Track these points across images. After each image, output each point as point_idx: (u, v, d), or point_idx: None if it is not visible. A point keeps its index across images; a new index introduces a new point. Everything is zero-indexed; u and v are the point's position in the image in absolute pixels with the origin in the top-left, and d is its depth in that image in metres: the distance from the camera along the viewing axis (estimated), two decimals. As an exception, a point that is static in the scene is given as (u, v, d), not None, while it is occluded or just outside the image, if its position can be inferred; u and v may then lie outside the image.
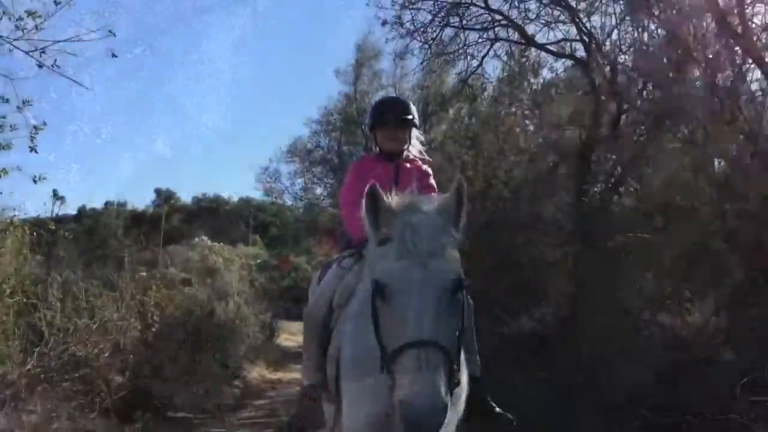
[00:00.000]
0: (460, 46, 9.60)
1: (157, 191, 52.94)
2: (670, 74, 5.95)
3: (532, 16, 8.83)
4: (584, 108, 8.64)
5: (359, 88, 18.19)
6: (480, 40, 9.45)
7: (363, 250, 2.65)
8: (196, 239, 19.61)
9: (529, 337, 7.90)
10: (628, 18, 6.76)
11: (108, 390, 6.25)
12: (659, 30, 6.01)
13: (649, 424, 5.19)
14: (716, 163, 6.42)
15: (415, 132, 3.44)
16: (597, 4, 8.12)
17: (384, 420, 2.32)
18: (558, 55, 9.10)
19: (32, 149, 5.45)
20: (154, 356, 7.46)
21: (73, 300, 6.53)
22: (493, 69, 10.95)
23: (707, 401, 5.12)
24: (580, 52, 8.58)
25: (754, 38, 5.39)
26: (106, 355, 6.41)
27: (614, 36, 7.72)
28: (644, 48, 6.29)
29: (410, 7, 9.02)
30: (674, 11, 5.76)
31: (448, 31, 9.41)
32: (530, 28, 9.01)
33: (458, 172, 2.45)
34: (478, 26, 9.23)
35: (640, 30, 6.24)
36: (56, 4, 5.04)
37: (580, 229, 8.06)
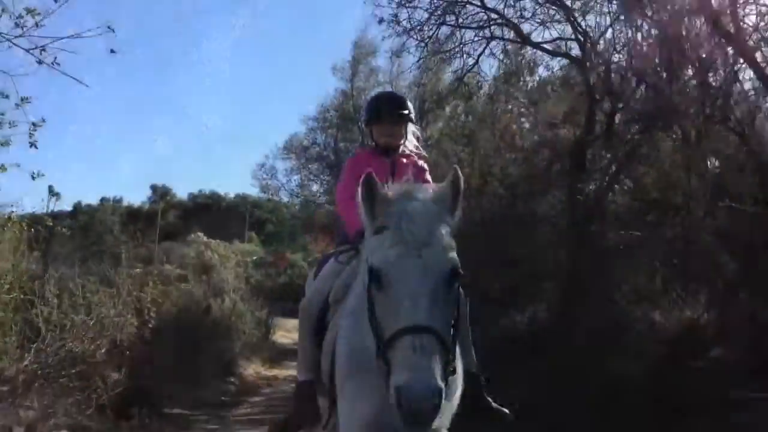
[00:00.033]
0: (457, 44, 9.63)
1: (153, 188, 52.93)
2: (663, 74, 6.00)
3: (527, 14, 8.87)
4: (579, 106, 8.69)
5: (356, 85, 18.21)
6: (476, 39, 9.48)
7: (360, 245, 2.63)
8: (192, 236, 19.64)
9: (523, 332, 7.96)
10: (622, 18, 6.80)
11: (104, 386, 6.24)
12: (652, 30, 6.05)
13: (640, 417, 5.24)
14: (709, 162, 6.48)
15: (411, 127, 3.41)
16: (592, 3, 8.17)
17: (380, 420, 2.31)
18: (553, 54, 9.14)
19: (32, 144, 5.47)
20: (150, 353, 7.48)
21: (70, 296, 6.52)
22: (489, 67, 11.01)
23: (697, 394, 5.17)
24: (576, 51, 8.63)
25: (747, 38, 5.43)
26: (103, 351, 6.39)
27: (609, 35, 7.78)
28: (638, 48, 6.34)
29: (407, 5, 9.05)
30: (667, 12, 5.79)
31: (445, 30, 9.44)
32: (526, 27, 9.04)
33: (457, 169, 2.42)
34: (474, 25, 9.25)
35: (633, 30, 6.29)
36: (55, 0, 5.06)
37: (574, 226, 8.13)
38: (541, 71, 10.26)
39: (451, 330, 2.14)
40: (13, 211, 6.20)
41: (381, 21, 9.27)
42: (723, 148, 5.85)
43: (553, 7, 8.59)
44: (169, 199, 51.67)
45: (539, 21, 8.91)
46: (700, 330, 6.43)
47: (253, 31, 77.13)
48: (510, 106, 10.65)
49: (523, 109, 10.75)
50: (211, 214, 47.32)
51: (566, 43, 8.85)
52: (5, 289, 5.71)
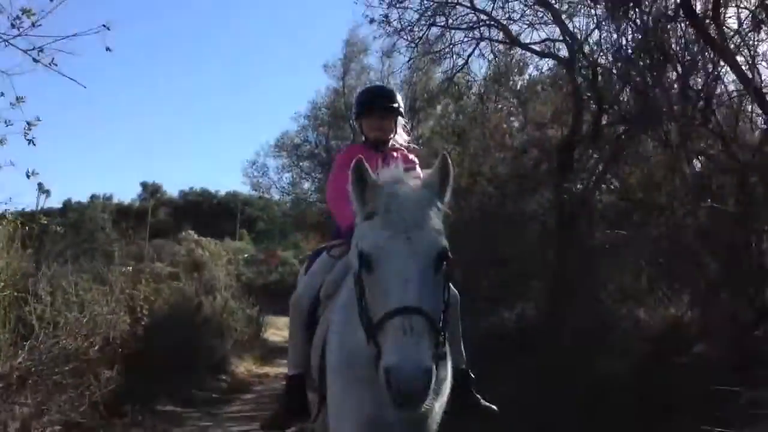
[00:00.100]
0: (447, 45, 9.73)
1: (144, 185, 52.71)
2: (647, 77, 6.12)
3: (516, 16, 8.97)
4: (566, 107, 8.80)
5: (347, 82, 18.27)
6: (466, 40, 9.59)
7: (352, 239, 2.58)
8: (183, 233, 19.62)
9: (511, 330, 8.06)
10: (606, 21, 6.92)
11: (98, 383, 6.28)
12: (636, 34, 6.17)
13: (626, 413, 5.33)
14: (698, 162, 6.59)
15: (401, 121, 3.43)
16: (578, 6, 8.29)
17: (371, 415, 2.34)
18: (541, 55, 9.26)
19: (30, 141, 5.52)
20: (143, 350, 7.53)
21: (63, 294, 6.56)
22: (479, 68, 11.11)
23: (681, 391, 5.27)
24: (564, 52, 8.74)
25: (728, 42, 5.55)
26: (96, 348, 6.42)
27: (595, 37, 7.90)
28: (621, 51, 6.46)
29: (397, 6, 9.12)
30: (650, 16, 5.91)
31: (435, 30, 9.52)
32: (515, 28, 9.15)
33: (445, 154, 2.44)
34: (463, 26, 9.34)
35: (619, 33, 6.41)
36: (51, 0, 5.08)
37: (561, 226, 8.24)
38: (531, 71, 10.40)
39: (441, 314, 2.13)
40: (6, 209, 6.22)
41: (372, 21, 9.34)
42: (706, 149, 5.98)
43: (541, 9, 8.70)
44: (160, 197, 51.46)
45: (528, 23, 9.03)
46: (683, 327, 6.55)
47: (247, 29, 76.96)
48: (500, 106, 10.75)
49: (512, 109, 10.86)
50: (202, 211, 47.19)
51: (554, 45, 8.97)
52: (0, 286, 5.74)
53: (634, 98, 6.83)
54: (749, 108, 6.22)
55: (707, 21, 5.70)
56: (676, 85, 6.10)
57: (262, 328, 14.66)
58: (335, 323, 2.61)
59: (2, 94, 5.37)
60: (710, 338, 6.04)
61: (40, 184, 6.03)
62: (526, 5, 8.81)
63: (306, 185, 20.13)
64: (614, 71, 7.20)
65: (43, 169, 5.81)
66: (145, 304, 8.12)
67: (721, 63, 5.80)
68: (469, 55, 9.75)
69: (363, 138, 3.45)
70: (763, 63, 5.95)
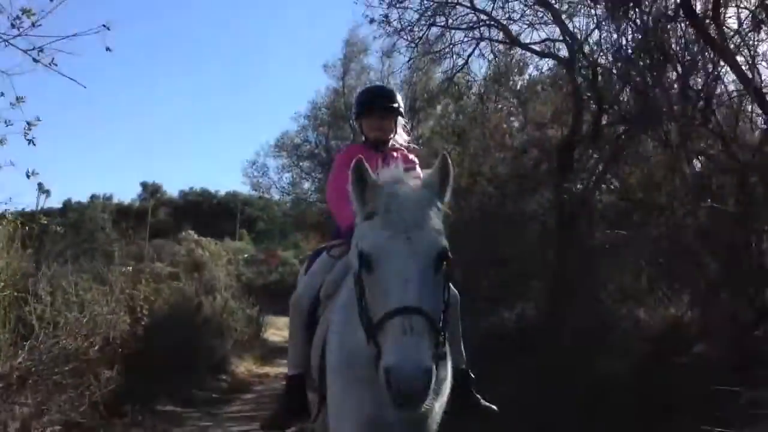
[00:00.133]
0: (446, 45, 9.74)
1: (144, 185, 52.74)
2: (647, 78, 6.12)
3: (516, 16, 8.98)
4: (566, 107, 8.81)
5: (347, 82, 18.29)
6: (466, 40, 9.59)
7: (352, 239, 2.57)
8: (183, 233, 19.62)
9: (511, 330, 8.07)
10: (606, 21, 6.93)
11: (98, 383, 6.29)
12: (636, 34, 6.18)
13: (626, 413, 5.34)
14: (698, 162, 6.59)
15: (401, 121, 3.43)
16: (579, 6, 8.29)
17: (372, 416, 2.34)
18: (541, 55, 9.26)
19: (30, 141, 5.53)
20: (143, 350, 7.53)
21: (63, 294, 6.57)
22: (479, 68, 11.12)
23: (681, 391, 5.28)
24: (564, 52, 8.75)
25: (728, 42, 5.56)
26: (96, 348, 6.43)
27: (595, 37, 7.91)
28: (621, 51, 6.46)
29: (397, 6, 9.13)
30: (650, 16, 5.92)
31: (435, 30, 9.53)
32: (515, 28, 9.15)
33: (445, 154, 2.43)
34: (463, 26, 9.35)
35: (619, 33, 6.42)
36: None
37: (561, 225, 8.25)
38: (532, 70, 10.41)
39: (441, 314, 2.13)
40: (6, 209, 6.22)
41: (372, 21, 9.36)
42: (706, 149, 5.98)
43: (541, 9, 8.71)
44: (160, 197, 51.49)
45: (528, 22, 9.04)
46: (684, 328, 6.56)
47: (247, 29, 77.02)
48: (500, 106, 10.76)
49: (512, 109, 10.87)
50: (202, 211, 47.21)
51: (554, 45, 8.97)
52: (0, 286, 5.74)
53: (634, 98, 6.84)
54: (749, 108, 6.22)
55: (707, 21, 5.70)
56: (676, 85, 6.11)
57: (262, 328, 14.68)
58: (335, 323, 2.60)
59: (2, 94, 5.37)
60: (710, 338, 6.04)
61: (40, 184, 6.05)
62: (526, 5, 8.83)
63: (306, 185, 20.18)
64: (614, 71, 7.20)
65: (43, 168, 5.82)
66: (145, 304, 8.12)
67: (721, 63, 5.80)
68: (469, 55, 9.78)
69: (363, 138, 3.45)
70: (763, 63, 5.96)
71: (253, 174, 19.96)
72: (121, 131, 77.19)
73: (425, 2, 9.16)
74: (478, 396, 3.01)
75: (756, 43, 5.77)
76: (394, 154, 3.20)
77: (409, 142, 3.52)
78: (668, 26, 6.02)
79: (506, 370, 6.36)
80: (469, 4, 9.07)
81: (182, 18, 78.59)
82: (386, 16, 9.21)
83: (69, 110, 62.88)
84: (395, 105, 3.36)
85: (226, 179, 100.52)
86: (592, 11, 7.76)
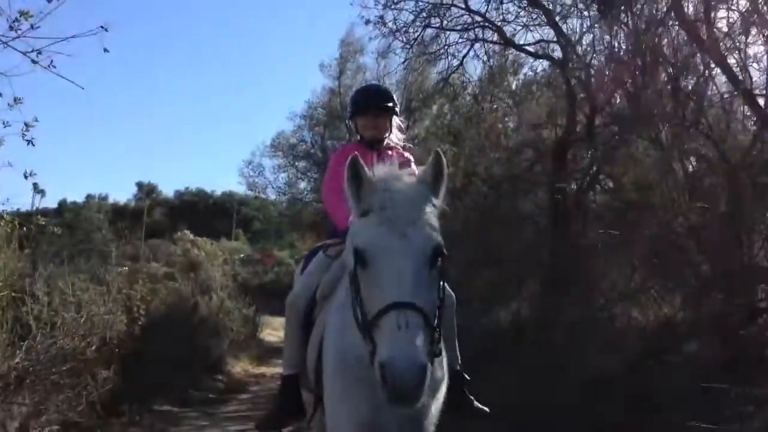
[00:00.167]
0: (441, 46, 9.81)
1: (139, 185, 52.68)
2: (639, 79, 6.18)
3: (510, 17, 9.05)
4: (561, 107, 8.88)
5: (343, 82, 18.28)
6: (460, 41, 9.67)
7: (347, 236, 2.54)
8: (179, 233, 19.61)
9: (505, 328, 8.13)
10: (599, 23, 6.99)
11: (95, 383, 6.31)
12: (628, 36, 6.24)
13: (619, 411, 5.39)
14: (689, 163, 6.65)
15: (395, 120, 3.43)
16: (572, 8, 8.36)
17: (370, 418, 2.34)
18: (536, 56, 9.34)
19: (29, 142, 5.55)
20: (140, 350, 7.56)
21: (60, 294, 6.58)
22: (474, 68, 11.18)
23: (673, 388, 5.34)
24: (558, 53, 8.82)
25: (719, 44, 5.62)
26: (93, 348, 6.44)
27: (588, 39, 7.98)
28: (614, 53, 6.53)
29: (392, 7, 9.19)
30: (641, 18, 5.98)
31: (430, 32, 9.62)
32: (509, 29, 9.22)
33: (439, 151, 2.44)
34: (458, 27, 9.42)
35: (612, 35, 6.47)
36: (48, 1, 5.09)
37: (556, 225, 8.31)
38: (526, 71, 10.49)
39: (436, 311, 2.12)
40: (4, 210, 6.24)
41: (368, 22, 9.42)
42: (697, 149, 6.05)
43: (535, 11, 8.78)
44: (155, 197, 51.46)
45: (522, 24, 9.11)
46: (675, 326, 6.62)
47: (243, 30, 76.94)
48: (495, 106, 10.82)
49: (507, 109, 10.94)
50: (198, 211, 47.21)
51: (549, 45, 9.04)
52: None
53: (626, 99, 6.90)
54: (740, 109, 6.29)
55: (698, 23, 5.76)
56: (669, 87, 6.17)
57: (258, 328, 14.70)
58: (331, 325, 2.61)
59: (0, 95, 5.39)
60: (701, 336, 6.10)
61: (35, 184, 6.03)
62: (520, 7, 8.89)
63: (302, 185, 20.20)
64: (607, 73, 7.27)
65: (38, 168, 5.80)
66: (142, 304, 8.15)
67: (712, 65, 5.87)
68: (464, 56, 9.84)
69: (358, 137, 3.46)
70: (754, 65, 6.03)
71: (249, 174, 20.00)
72: (116, 131, 77.25)
73: (420, 4, 9.24)
74: (471, 397, 3.01)
75: (746, 45, 5.84)
76: (389, 152, 3.17)
77: (404, 141, 3.52)
78: (659, 29, 6.08)
79: (500, 368, 6.40)
80: (463, 6, 9.14)
81: (180, 19, 78.52)
82: (381, 17, 9.28)
83: (64, 110, 62.78)
84: (390, 104, 3.36)
85: (222, 179, 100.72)
86: (585, 13, 7.84)
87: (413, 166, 3.04)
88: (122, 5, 57.97)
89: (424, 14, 9.29)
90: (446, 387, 2.59)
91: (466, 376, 3.06)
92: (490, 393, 3.32)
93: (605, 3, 6.31)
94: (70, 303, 6.58)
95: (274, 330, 15.44)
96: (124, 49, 63.85)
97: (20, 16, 4.97)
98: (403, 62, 10.53)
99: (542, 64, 9.58)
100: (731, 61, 5.90)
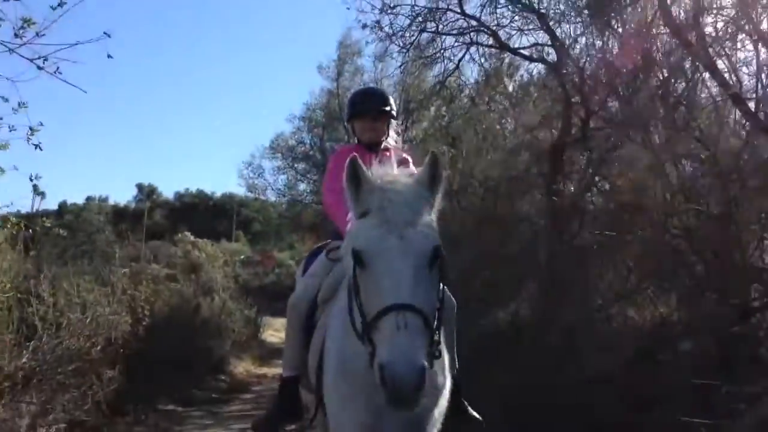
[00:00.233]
0: (438, 49, 9.91)
1: (139, 186, 52.73)
2: (630, 83, 6.29)
3: (505, 22, 9.15)
4: (556, 110, 8.98)
5: (341, 84, 18.30)
6: (456, 44, 9.77)
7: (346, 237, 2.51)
8: (179, 235, 19.66)
9: (503, 329, 8.20)
10: (590, 28, 7.10)
11: (100, 383, 6.40)
12: (618, 41, 6.35)
13: (612, 409, 5.48)
14: (677, 165, 6.74)
15: (393, 123, 3.44)
16: (566, 13, 8.46)
17: (371, 422, 2.35)
18: (530, 60, 9.44)
19: (37, 146, 5.60)
20: (144, 350, 7.66)
21: (65, 295, 6.67)
22: (470, 71, 11.29)
23: (667, 387, 5.43)
24: (552, 56, 8.91)
25: (708, 48, 5.72)
26: (98, 349, 6.53)
27: (582, 43, 8.08)
28: (606, 58, 6.63)
29: (389, 12, 9.30)
30: (631, 24, 6.09)
31: (426, 36, 9.70)
32: (504, 33, 9.32)
33: (436, 152, 2.48)
34: (454, 31, 9.52)
35: (603, 40, 6.58)
36: (53, 9, 5.17)
37: (553, 227, 8.40)
38: (522, 72, 10.60)
39: (436, 312, 2.12)
40: (9, 212, 6.31)
41: (364, 26, 9.54)
42: (689, 152, 6.14)
43: (529, 15, 8.88)
44: (156, 198, 51.50)
45: (517, 28, 9.22)
46: (671, 325, 6.71)
47: (242, 31, 76.99)
48: (491, 108, 10.92)
49: (504, 111, 11.03)
50: (198, 213, 47.24)
51: (544, 49, 9.14)
52: (7, 287, 5.85)
53: (618, 103, 7.01)
54: (730, 113, 6.39)
55: (687, 28, 5.86)
56: (660, 91, 6.27)
57: (260, 329, 14.76)
58: (332, 328, 2.62)
59: (6, 100, 5.45)
60: (695, 336, 6.19)
61: (35, 186, 6.08)
62: (514, 11, 8.99)
63: (301, 187, 20.22)
64: (600, 76, 7.37)
65: (38, 170, 5.85)
66: (146, 305, 8.24)
67: (701, 69, 5.97)
68: (460, 60, 9.97)
69: (356, 139, 3.49)
70: (744, 68, 6.14)
71: (248, 176, 20.02)
72: (116, 133, 77.13)
73: (416, 8, 9.35)
74: (465, 403, 3.02)
75: (733, 51, 5.93)
76: (387, 154, 3.15)
77: (402, 143, 3.61)
78: (649, 34, 6.19)
79: (497, 368, 6.47)
80: (459, 10, 9.23)
81: (179, 21, 78.55)
82: (378, 22, 9.39)
83: (63, 112, 62.79)
84: (388, 108, 3.38)
85: (222, 181, 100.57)
86: (578, 18, 7.94)
87: (411, 166, 3.03)
88: (122, 6, 58.01)
89: (420, 19, 9.41)
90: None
91: (461, 382, 3.04)
92: (490, 393, 3.34)
93: (595, 8, 6.41)
94: (75, 304, 6.68)
95: (275, 331, 15.51)
96: (125, 50, 63.80)
97: (24, 23, 5.03)
98: (400, 66, 10.66)
99: (537, 68, 9.69)
100: (720, 65, 6.00)
